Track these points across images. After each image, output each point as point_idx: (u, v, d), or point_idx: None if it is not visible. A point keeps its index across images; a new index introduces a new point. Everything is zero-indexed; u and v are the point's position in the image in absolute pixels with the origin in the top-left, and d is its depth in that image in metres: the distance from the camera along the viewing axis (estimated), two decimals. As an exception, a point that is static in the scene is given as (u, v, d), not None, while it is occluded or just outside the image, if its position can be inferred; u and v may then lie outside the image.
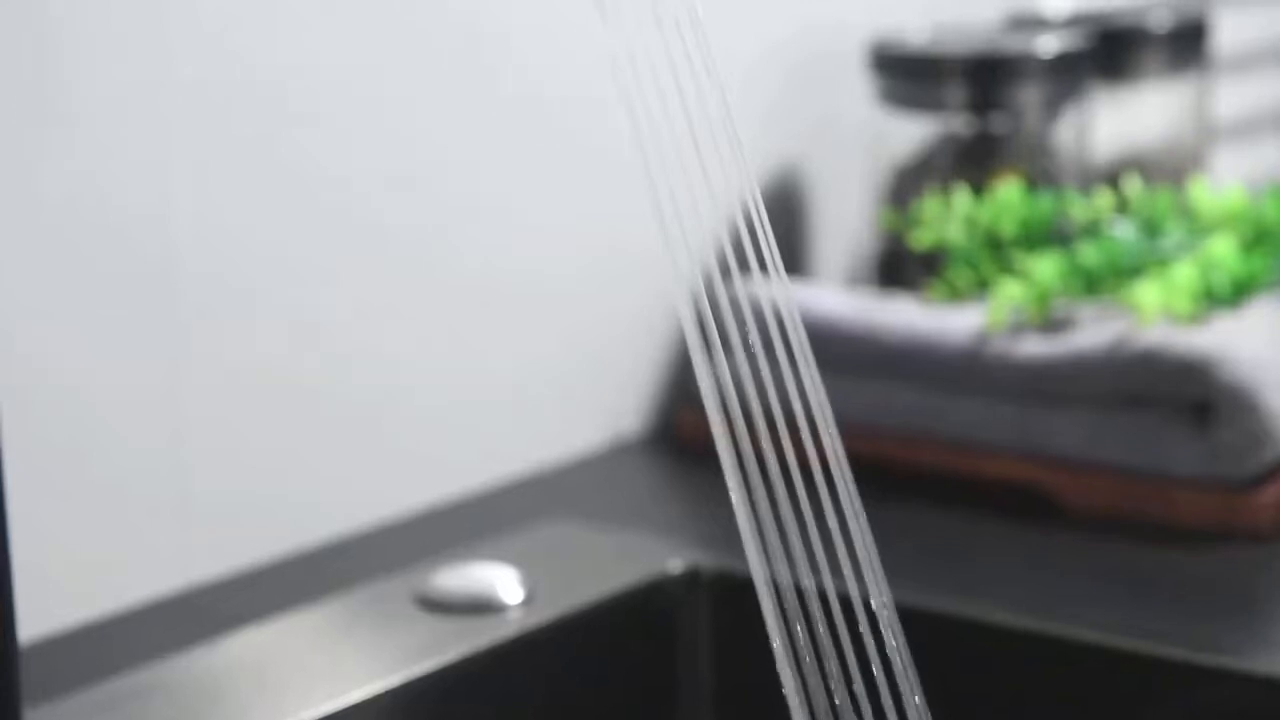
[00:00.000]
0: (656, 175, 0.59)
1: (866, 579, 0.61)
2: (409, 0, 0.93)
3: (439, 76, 0.95)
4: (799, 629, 0.58)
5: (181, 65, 0.84)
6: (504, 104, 0.98)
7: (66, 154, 0.80)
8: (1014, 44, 1.13)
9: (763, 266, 0.58)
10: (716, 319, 0.61)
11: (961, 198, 1.07)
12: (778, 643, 0.58)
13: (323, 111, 0.90)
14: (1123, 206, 1.08)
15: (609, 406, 1.05)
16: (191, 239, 0.85)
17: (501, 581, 0.82)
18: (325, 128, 0.90)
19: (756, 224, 0.60)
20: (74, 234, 0.81)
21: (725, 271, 0.62)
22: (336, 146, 0.91)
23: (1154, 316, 0.95)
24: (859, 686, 0.59)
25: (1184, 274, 0.97)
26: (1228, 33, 1.47)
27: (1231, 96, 1.52)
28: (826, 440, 0.60)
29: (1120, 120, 1.24)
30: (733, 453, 0.58)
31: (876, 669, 0.60)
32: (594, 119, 1.01)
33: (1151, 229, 1.04)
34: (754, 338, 0.61)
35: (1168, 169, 1.26)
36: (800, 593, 0.58)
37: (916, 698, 0.61)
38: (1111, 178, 1.20)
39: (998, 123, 1.12)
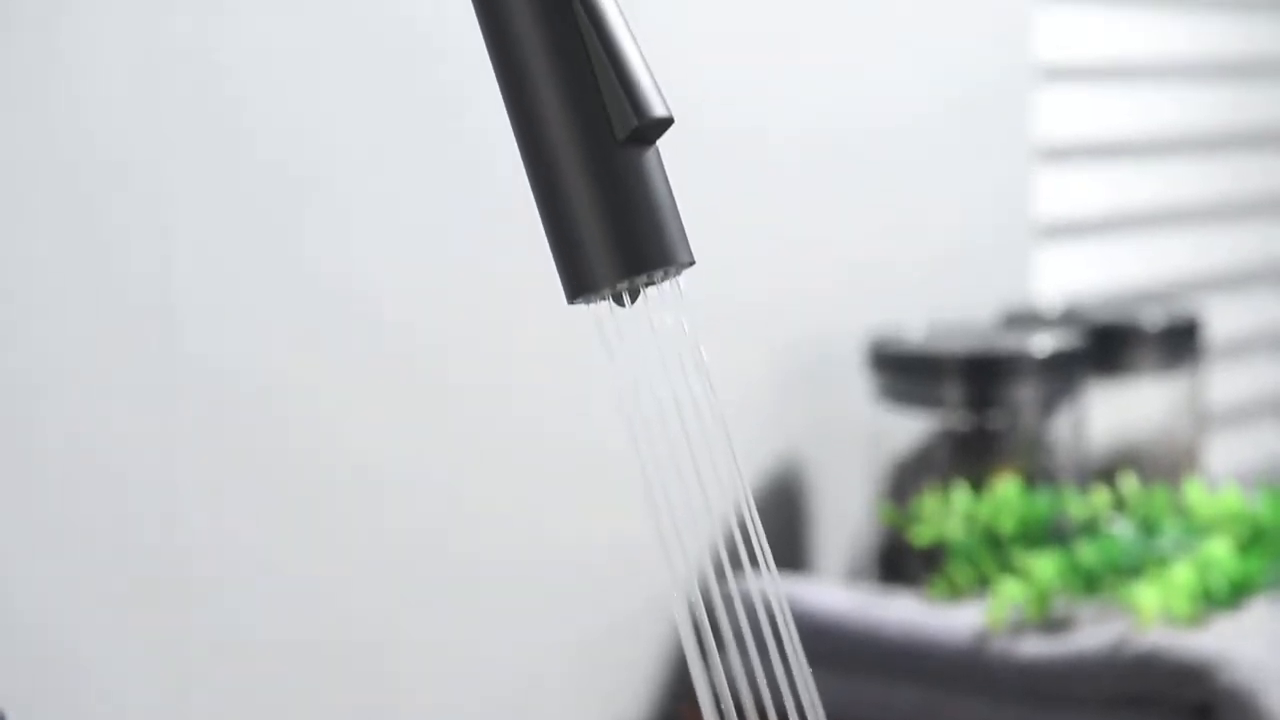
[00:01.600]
0: (653, 482, 0.60)
1: None
2: (416, 370, 0.95)
3: (447, 441, 0.96)
4: None
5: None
6: (504, 420, 1.00)
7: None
8: (1009, 343, 1.15)
9: (755, 564, 0.59)
10: (712, 622, 0.61)
11: (960, 494, 1.08)
12: None
13: (330, 431, 0.91)
14: (1120, 505, 1.09)
15: (609, 700, 1.05)
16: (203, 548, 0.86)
17: None
18: (326, 443, 0.91)
19: (749, 524, 0.61)
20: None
21: (721, 573, 0.63)
22: (336, 449, 0.92)
23: (1153, 618, 0.96)
24: None
25: (1182, 574, 0.98)
26: (1220, 321, 1.49)
27: (1226, 384, 1.54)
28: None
29: (1115, 415, 1.26)
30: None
31: None
32: (592, 426, 1.03)
33: (1149, 528, 1.05)
34: (750, 638, 0.61)
35: (1164, 462, 1.27)
36: None
37: None
38: (1108, 473, 1.22)
39: (995, 419, 1.14)
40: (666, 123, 0.54)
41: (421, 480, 0.95)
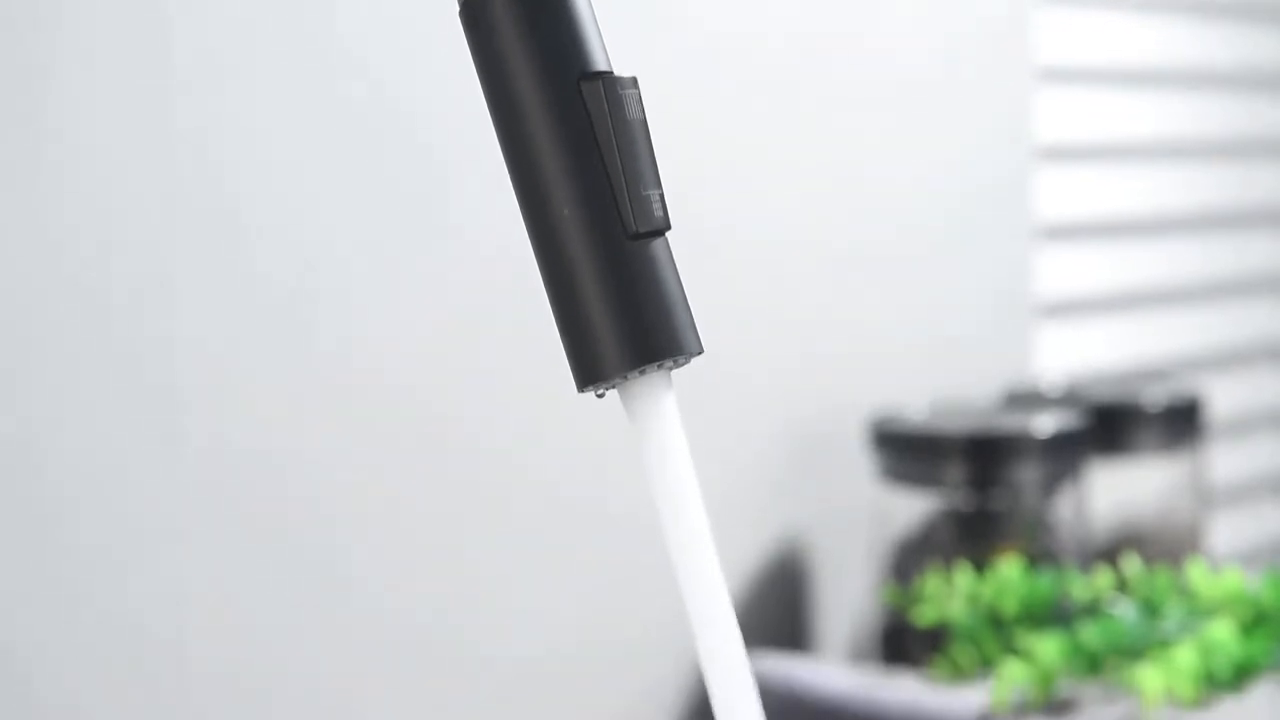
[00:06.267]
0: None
1: None
2: (416, 415, 0.95)
3: (448, 490, 0.97)
4: None
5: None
6: (498, 499, 1.00)
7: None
8: (1011, 423, 1.15)
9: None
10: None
11: (963, 574, 1.08)
12: None
13: (335, 513, 0.91)
14: (1122, 585, 1.09)
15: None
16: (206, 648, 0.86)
17: None
18: (332, 526, 0.92)
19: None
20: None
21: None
22: (342, 542, 0.92)
23: (1157, 699, 0.96)
24: None
25: (1185, 656, 0.98)
26: (1222, 400, 1.49)
27: (1228, 463, 1.54)
28: None
29: (1117, 494, 1.26)
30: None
31: None
32: (595, 514, 1.03)
33: (1152, 609, 1.05)
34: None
35: (1166, 542, 1.27)
36: None
37: None
38: (1110, 553, 1.22)
39: (997, 499, 1.14)
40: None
41: (422, 557, 0.95)
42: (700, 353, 0.55)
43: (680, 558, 0.55)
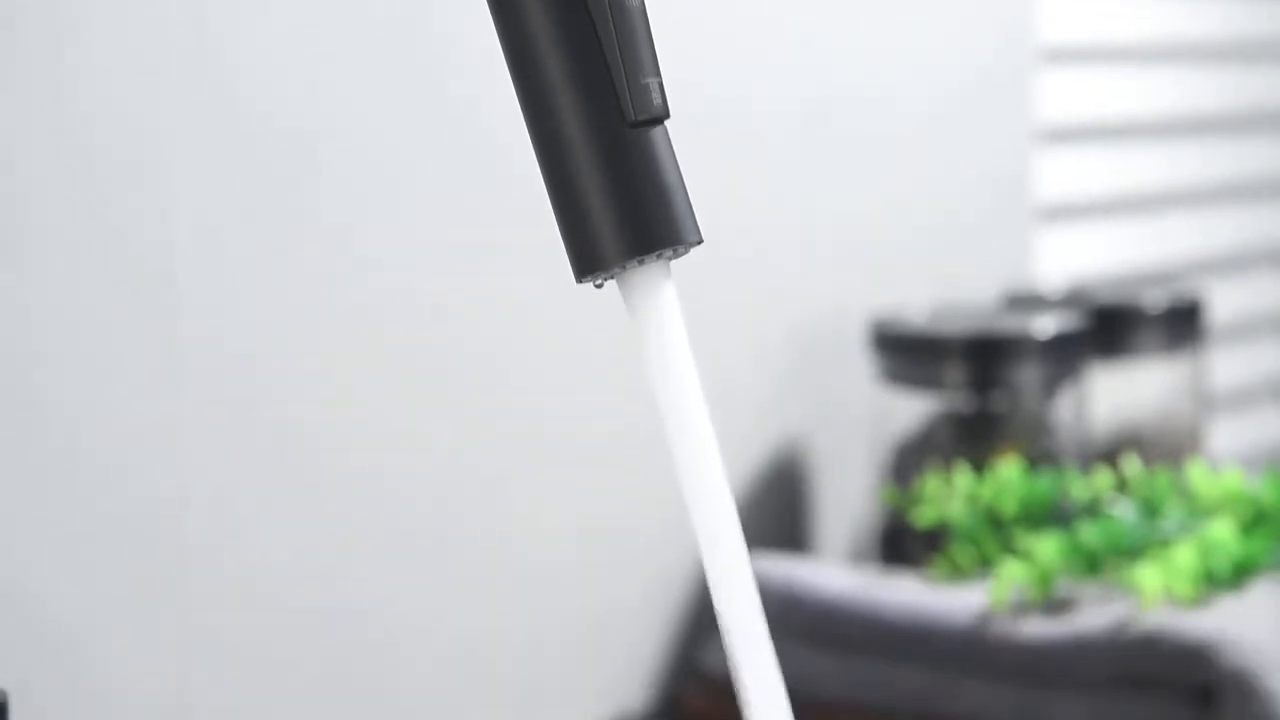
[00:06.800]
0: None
1: None
2: (415, 312, 0.95)
3: (447, 387, 0.96)
4: None
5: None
6: (508, 399, 1.00)
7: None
8: (1012, 324, 1.15)
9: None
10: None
11: (962, 475, 1.08)
12: None
13: (334, 414, 0.91)
14: (1122, 486, 1.09)
15: (612, 682, 1.05)
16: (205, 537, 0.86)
17: None
18: (331, 427, 0.92)
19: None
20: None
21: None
22: (341, 444, 0.92)
23: (1155, 599, 0.96)
24: None
25: (1184, 556, 0.98)
26: (1223, 303, 1.49)
27: (1228, 367, 1.54)
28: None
29: (1118, 396, 1.26)
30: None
31: None
32: (596, 408, 1.03)
33: (1151, 509, 1.05)
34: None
35: (1166, 444, 1.27)
36: None
37: None
38: (1110, 454, 1.22)
39: (997, 401, 1.14)
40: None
41: (424, 459, 0.95)
42: (700, 242, 0.55)
43: (681, 448, 0.55)
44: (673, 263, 0.55)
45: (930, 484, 1.08)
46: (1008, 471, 1.07)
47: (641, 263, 0.54)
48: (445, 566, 0.97)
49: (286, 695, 0.90)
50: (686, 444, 0.55)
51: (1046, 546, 1.00)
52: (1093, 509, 1.07)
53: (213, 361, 0.87)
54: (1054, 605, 0.99)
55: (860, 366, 1.17)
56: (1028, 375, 1.13)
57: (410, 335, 0.95)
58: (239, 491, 0.88)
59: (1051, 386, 1.15)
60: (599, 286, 0.55)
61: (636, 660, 1.07)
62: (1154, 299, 1.26)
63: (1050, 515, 1.07)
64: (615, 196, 0.53)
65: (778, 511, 1.16)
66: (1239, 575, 0.99)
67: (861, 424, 1.17)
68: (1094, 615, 0.97)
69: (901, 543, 1.13)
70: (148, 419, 0.84)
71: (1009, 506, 1.06)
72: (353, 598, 0.93)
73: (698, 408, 0.55)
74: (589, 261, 0.54)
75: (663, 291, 0.55)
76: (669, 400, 0.55)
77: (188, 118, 0.85)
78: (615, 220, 0.53)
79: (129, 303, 0.83)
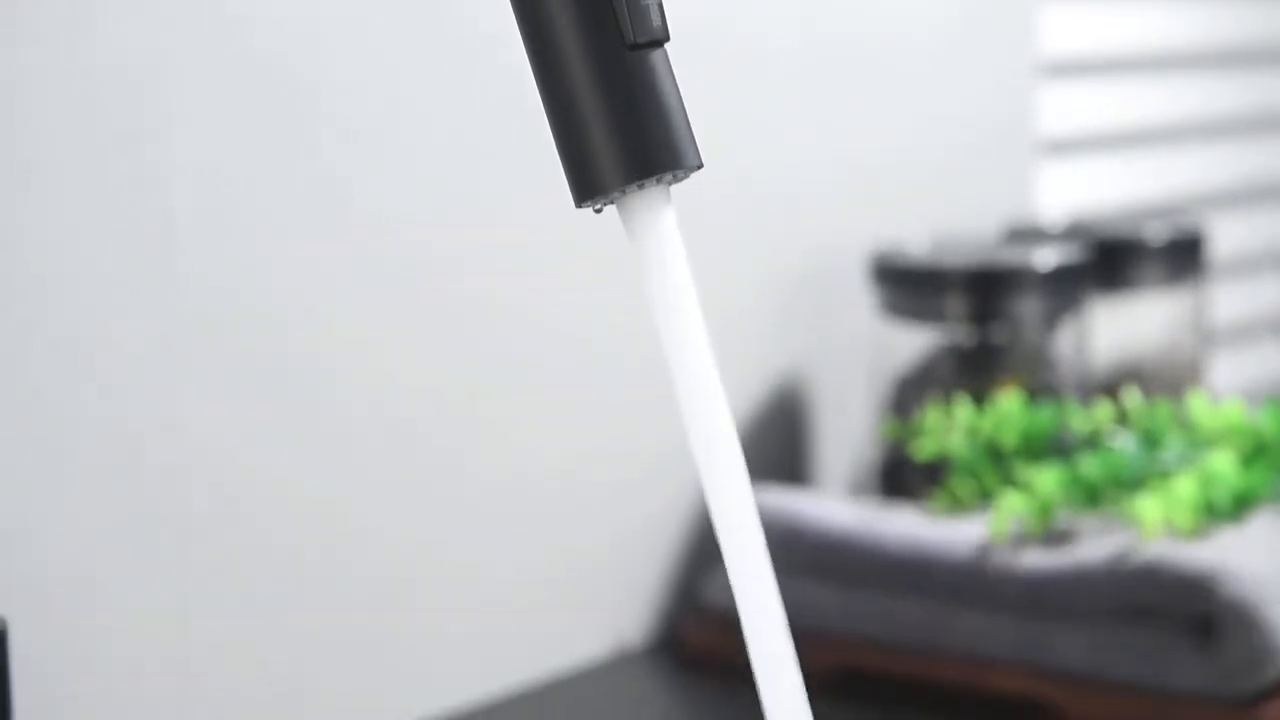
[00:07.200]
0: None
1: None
2: (414, 242, 0.95)
3: (447, 320, 0.96)
4: None
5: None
6: (511, 332, 0.99)
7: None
8: (1012, 257, 1.14)
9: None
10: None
11: (963, 408, 1.08)
12: None
13: (334, 346, 0.91)
14: (1122, 418, 1.09)
15: (612, 614, 1.06)
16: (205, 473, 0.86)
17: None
18: (331, 359, 0.91)
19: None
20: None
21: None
22: (341, 376, 0.92)
23: (1155, 530, 0.96)
24: None
25: (1184, 487, 0.98)
26: (1224, 237, 1.49)
27: (1229, 301, 1.53)
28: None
29: (1119, 329, 1.25)
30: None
31: None
32: (598, 341, 1.03)
33: (1151, 441, 1.05)
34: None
35: (1167, 377, 1.27)
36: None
37: None
38: (1111, 387, 1.22)
39: (998, 333, 1.13)
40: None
41: (423, 395, 0.95)
42: (700, 166, 0.54)
43: (681, 371, 0.55)
44: (673, 196, 0.55)
45: (930, 417, 1.08)
46: (1008, 404, 1.07)
47: (641, 187, 0.54)
48: (444, 501, 0.96)
49: (286, 625, 0.90)
50: (687, 366, 0.55)
51: (1046, 478, 1.00)
52: (1093, 441, 1.07)
53: (213, 283, 0.86)
54: (1054, 537, 0.99)
55: (861, 299, 1.17)
56: (1028, 308, 1.13)
57: (408, 267, 0.94)
58: (240, 424, 0.87)
59: (1052, 319, 1.14)
60: (598, 211, 0.55)
61: (638, 594, 1.07)
62: (1155, 232, 1.26)
63: (1050, 447, 1.07)
64: (614, 120, 0.53)
65: (778, 444, 1.16)
66: (1239, 507, 0.99)
67: (862, 356, 1.17)
68: (1094, 547, 0.97)
69: (902, 475, 1.13)
70: (145, 340, 0.84)
71: (1009, 439, 1.06)
72: (351, 531, 0.92)
73: (698, 332, 0.55)
74: (588, 186, 0.54)
75: (663, 217, 0.55)
76: (669, 327, 0.55)
77: (191, 52, 0.85)
78: (614, 144, 0.53)
79: (126, 224, 0.83)
